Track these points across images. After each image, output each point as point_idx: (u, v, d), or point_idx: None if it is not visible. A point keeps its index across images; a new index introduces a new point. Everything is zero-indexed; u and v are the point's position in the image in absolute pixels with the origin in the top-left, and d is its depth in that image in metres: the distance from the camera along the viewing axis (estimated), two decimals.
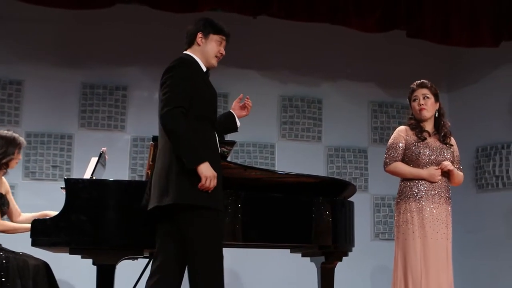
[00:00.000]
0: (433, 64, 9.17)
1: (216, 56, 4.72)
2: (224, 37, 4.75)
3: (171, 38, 8.38)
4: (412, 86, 5.60)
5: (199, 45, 4.70)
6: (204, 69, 4.69)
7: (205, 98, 4.59)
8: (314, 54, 8.90)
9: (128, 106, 8.50)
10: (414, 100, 5.54)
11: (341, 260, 6.07)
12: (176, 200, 4.39)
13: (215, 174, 4.40)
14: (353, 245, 6.13)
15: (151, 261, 4.67)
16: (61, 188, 5.15)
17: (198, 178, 4.35)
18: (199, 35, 4.69)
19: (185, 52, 4.74)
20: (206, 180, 4.34)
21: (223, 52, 4.75)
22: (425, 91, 5.51)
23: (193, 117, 4.47)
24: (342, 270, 6.39)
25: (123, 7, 8.10)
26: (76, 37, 8.38)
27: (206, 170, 4.35)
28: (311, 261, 6.27)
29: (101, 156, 5.62)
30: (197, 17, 4.41)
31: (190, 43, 4.74)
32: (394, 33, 8.43)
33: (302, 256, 6.36)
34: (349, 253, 6.12)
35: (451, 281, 5.34)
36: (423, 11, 8.24)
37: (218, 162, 4.55)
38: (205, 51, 4.69)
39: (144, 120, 8.34)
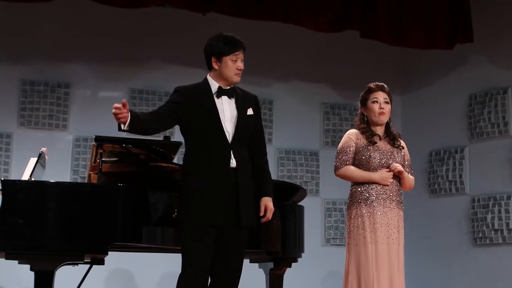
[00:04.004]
0: (386, 66, 9.21)
1: (235, 74, 4.70)
2: (237, 53, 4.72)
3: (116, 34, 8.30)
4: (371, 86, 5.47)
5: (215, 69, 4.69)
6: (215, 89, 4.68)
7: (195, 120, 4.60)
8: (265, 54, 8.78)
9: (70, 104, 8.34)
10: (374, 102, 5.40)
11: (290, 266, 6.07)
12: None
13: None
14: (302, 251, 6.14)
15: None
16: None
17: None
18: (213, 59, 4.69)
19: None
20: None
21: (241, 67, 4.72)
22: (385, 95, 5.43)
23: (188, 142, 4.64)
24: (292, 276, 6.37)
25: (66, 1, 7.90)
26: (16, 31, 8.16)
27: None
28: (260, 267, 6.25)
29: (40, 156, 5.48)
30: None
31: (208, 66, 4.73)
32: (348, 33, 8.42)
33: (250, 262, 6.27)
34: (299, 259, 6.12)
35: (403, 287, 5.25)
36: (378, 12, 8.27)
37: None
38: (223, 74, 4.69)
39: (87, 119, 8.21)
